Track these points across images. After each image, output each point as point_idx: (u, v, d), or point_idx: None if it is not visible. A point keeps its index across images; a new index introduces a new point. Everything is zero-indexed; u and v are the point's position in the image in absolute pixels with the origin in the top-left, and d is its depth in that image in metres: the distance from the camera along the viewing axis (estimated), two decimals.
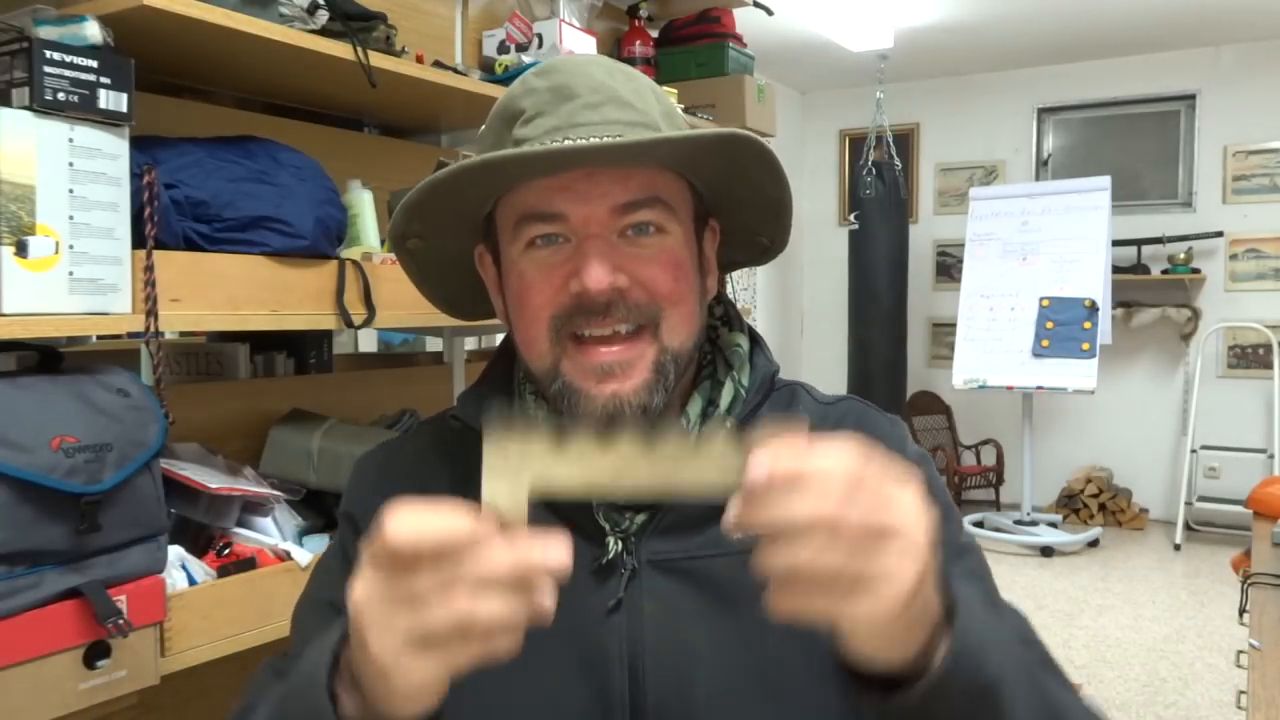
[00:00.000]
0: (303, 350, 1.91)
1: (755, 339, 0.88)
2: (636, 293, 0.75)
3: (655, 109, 0.78)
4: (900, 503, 0.55)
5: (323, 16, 1.51)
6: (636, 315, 0.75)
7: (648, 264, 0.76)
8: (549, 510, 0.79)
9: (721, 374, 0.84)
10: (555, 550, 0.53)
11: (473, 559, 0.52)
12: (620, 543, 0.78)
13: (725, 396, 0.82)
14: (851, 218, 6.01)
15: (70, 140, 1.18)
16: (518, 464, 0.56)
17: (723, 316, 0.89)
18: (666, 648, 0.75)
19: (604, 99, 0.75)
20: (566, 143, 0.72)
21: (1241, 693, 1.62)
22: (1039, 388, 5.31)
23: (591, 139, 0.73)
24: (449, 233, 0.82)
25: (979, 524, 5.65)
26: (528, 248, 0.76)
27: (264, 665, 0.87)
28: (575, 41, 2.20)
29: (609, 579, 0.77)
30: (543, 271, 0.76)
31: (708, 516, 0.77)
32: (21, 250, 1.13)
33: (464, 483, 0.81)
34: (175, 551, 1.31)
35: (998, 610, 0.80)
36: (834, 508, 0.53)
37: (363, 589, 0.55)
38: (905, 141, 6.45)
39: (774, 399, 0.86)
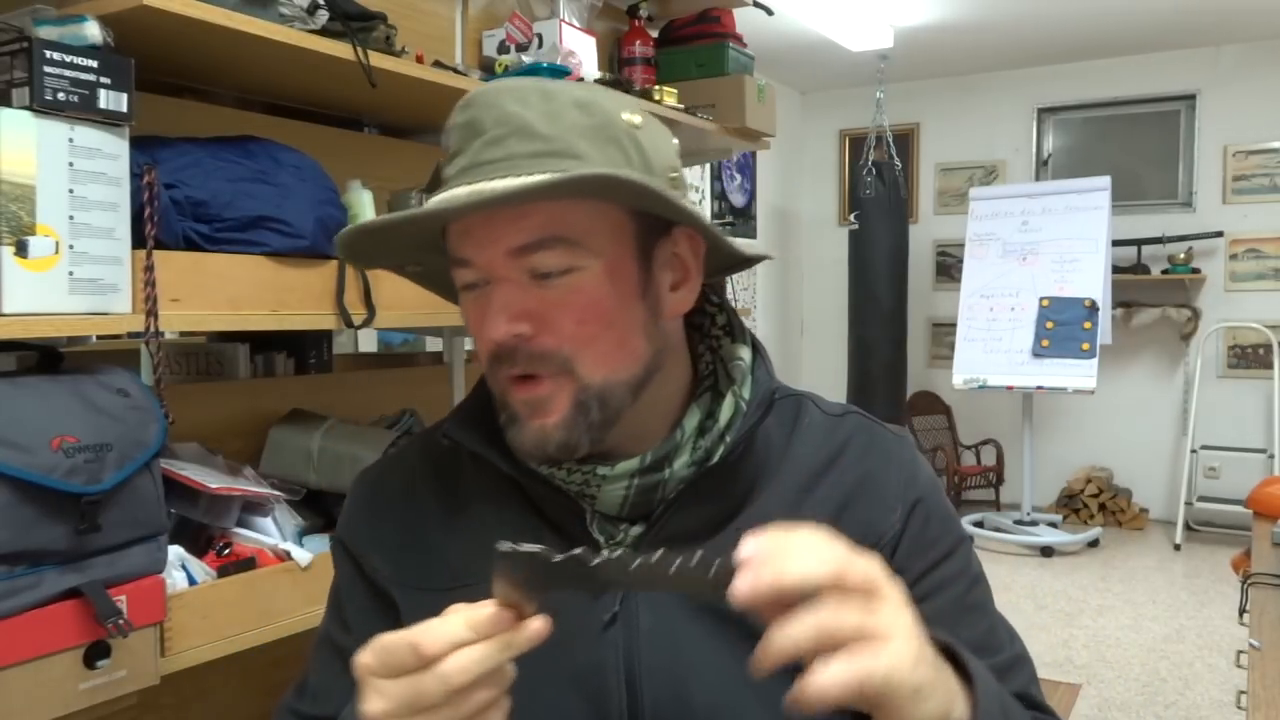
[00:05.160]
0: (303, 350, 1.91)
1: (758, 350, 0.85)
2: (541, 339, 0.73)
3: (576, 128, 0.72)
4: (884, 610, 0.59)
5: (323, 16, 1.51)
6: (540, 363, 0.73)
7: (553, 307, 0.72)
8: (540, 519, 0.79)
9: (723, 386, 0.82)
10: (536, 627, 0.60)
11: (486, 655, 0.59)
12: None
13: (725, 412, 0.80)
14: (851, 218, 6.01)
15: (70, 140, 1.18)
16: (525, 571, 0.60)
17: (725, 326, 0.86)
18: (664, 661, 0.75)
19: (509, 131, 0.71)
20: (462, 189, 0.71)
21: (1241, 693, 1.62)
22: (1039, 388, 5.31)
23: (494, 178, 0.70)
24: (437, 253, 0.81)
25: (979, 524, 5.65)
26: (462, 289, 0.76)
27: (282, 708, 0.88)
28: (575, 41, 2.20)
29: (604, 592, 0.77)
30: (471, 314, 0.76)
31: (702, 530, 0.77)
32: (21, 250, 1.13)
33: (455, 510, 0.83)
34: (175, 551, 1.31)
35: (995, 633, 0.82)
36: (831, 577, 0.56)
37: (376, 708, 0.61)
38: (905, 141, 6.45)
39: (780, 409, 0.84)
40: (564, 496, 0.78)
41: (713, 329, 0.86)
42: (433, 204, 0.72)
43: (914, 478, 0.83)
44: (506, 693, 0.61)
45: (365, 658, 0.61)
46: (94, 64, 1.19)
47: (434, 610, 0.63)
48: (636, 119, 0.75)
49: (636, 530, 0.78)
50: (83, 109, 1.18)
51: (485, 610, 0.60)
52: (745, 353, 0.83)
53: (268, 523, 1.49)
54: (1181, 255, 5.77)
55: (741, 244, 0.81)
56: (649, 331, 0.76)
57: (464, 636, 0.59)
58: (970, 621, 0.80)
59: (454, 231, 0.74)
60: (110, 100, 1.21)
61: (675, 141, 0.81)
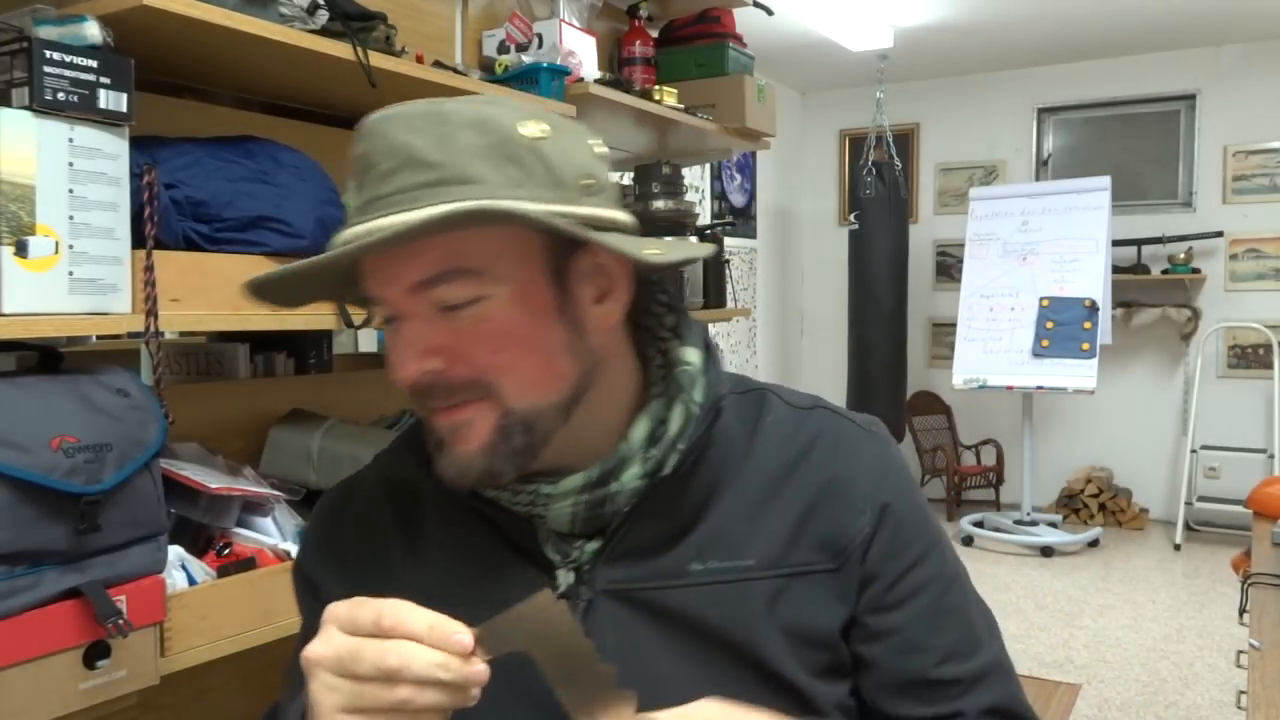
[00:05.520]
0: (303, 350, 1.91)
1: (710, 349, 0.82)
2: (457, 370, 0.71)
3: (470, 150, 0.68)
4: None
5: (323, 16, 1.51)
6: (461, 393, 0.71)
7: (465, 339, 0.70)
8: (498, 538, 0.78)
9: (673, 392, 0.78)
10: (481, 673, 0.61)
11: (423, 659, 0.59)
12: (574, 573, 0.76)
13: (675, 420, 0.76)
14: (851, 218, 6.01)
15: (70, 140, 1.18)
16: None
17: (674, 327, 0.82)
18: (630, 679, 0.73)
19: (399, 163, 0.69)
20: (360, 227, 0.69)
21: (1241, 693, 1.62)
22: (1039, 388, 5.31)
23: (388, 213, 0.68)
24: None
25: (979, 524, 5.65)
26: (380, 324, 0.75)
27: None
28: (575, 41, 2.20)
29: None
30: (389, 349, 0.73)
31: (661, 543, 0.76)
32: (21, 250, 1.13)
33: (414, 533, 0.81)
34: (175, 551, 1.31)
35: (971, 638, 0.80)
36: None
37: (316, 649, 0.62)
38: (905, 141, 6.45)
39: (741, 406, 0.81)
40: (516, 516, 0.77)
41: (660, 330, 0.82)
42: (339, 241, 0.71)
43: (884, 478, 0.80)
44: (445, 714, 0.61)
45: (338, 606, 0.63)
46: (94, 64, 1.19)
47: None
48: (539, 129, 0.71)
49: (593, 546, 0.76)
50: (83, 109, 1.18)
51: (451, 627, 0.60)
52: (694, 355, 0.80)
53: (268, 523, 1.49)
54: (1181, 255, 5.77)
55: (669, 246, 0.76)
56: (574, 350, 0.73)
57: (419, 633, 0.60)
58: (945, 627, 0.78)
59: (360, 269, 0.72)
60: (110, 100, 1.21)
61: (593, 143, 0.76)
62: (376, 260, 0.70)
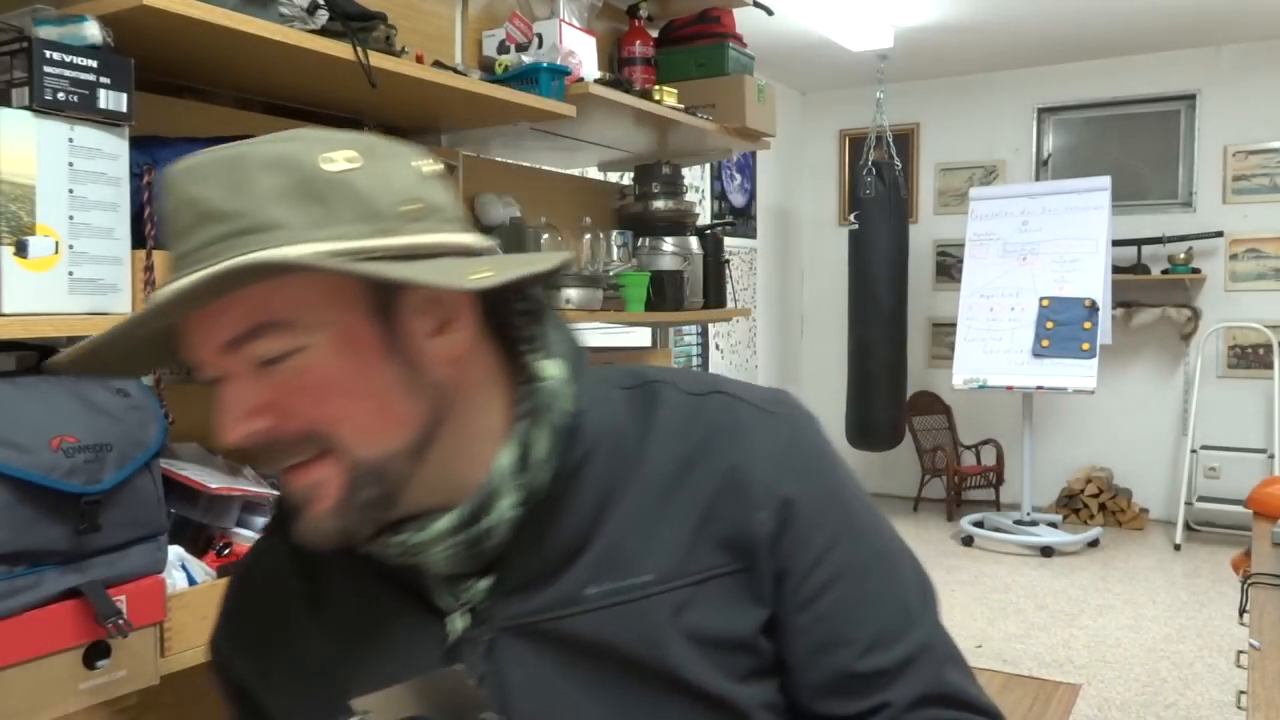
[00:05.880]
0: None
1: (577, 355, 0.76)
2: (287, 427, 0.67)
3: (268, 194, 0.64)
4: None
5: (323, 16, 1.51)
6: (299, 450, 0.67)
7: (289, 394, 0.66)
8: (399, 589, 0.75)
9: (538, 410, 0.73)
10: None
11: None
12: (469, 615, 0.73)
13: (542, 440, 0.72)
14: (851, 218, 6.01)
15: (70, 140, 1.18)
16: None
17: (534, 338, 0.76)
18: (542, 715, 0.71)
19: (194, 219, 0.65)
20: (165, 288, 0.65)
21: (1241, 693, 1.62)
22: (1039, 388, 5.31)
23: (192, 270, 0.64)
24: None
25: (979, 524, 5.65)
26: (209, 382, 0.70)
27: None
28: (575, 41, 2.20)
29: (465, 655, 0.72)
30: (215, 411, 0.69)
31: (552, 570, 0.72)
32: (21, 250, 1.13)
33: (319, 594, 0.79)
34: (175, 551, 1.31)
35: (893, 626, 0.74)
36: None
37: None
38: (905, 141, 6.45)
39: (630, 403, 0.77)
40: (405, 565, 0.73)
41: (520, 345, 0.76)
42: (149, 303, 0.67)
43: (785, 465, 0.75)
44: None
45: None
46: (94, 64, 1.19)
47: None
48: (345, 162, 0.66)
49: (485, 583, 0.73)
50: (83, 109, 1.18)
51: None
52: (554, 367, 0.74)
53: None
54: (1181, 255, 5.77)
55: (504, 265, 0.69)
56: (413, 389, 0.68)
57: None
58: (867, 616, 0.74)
59: (176, 331, 0.68)
60: (110, 100, 1.21)
61: (419, 164, 0.71)
62: (186, 322, 0.66)
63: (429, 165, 0.71)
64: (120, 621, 1.14)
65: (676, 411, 0.77)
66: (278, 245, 0.63)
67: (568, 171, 2.96)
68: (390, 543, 0.71)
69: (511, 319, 0.76)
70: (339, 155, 0.66)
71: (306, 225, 0.64)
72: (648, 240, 2.73)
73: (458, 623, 0.73)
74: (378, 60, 1.56)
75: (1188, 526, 5.62)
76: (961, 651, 0.78)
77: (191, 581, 1.32)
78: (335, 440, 0.67)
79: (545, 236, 2.32)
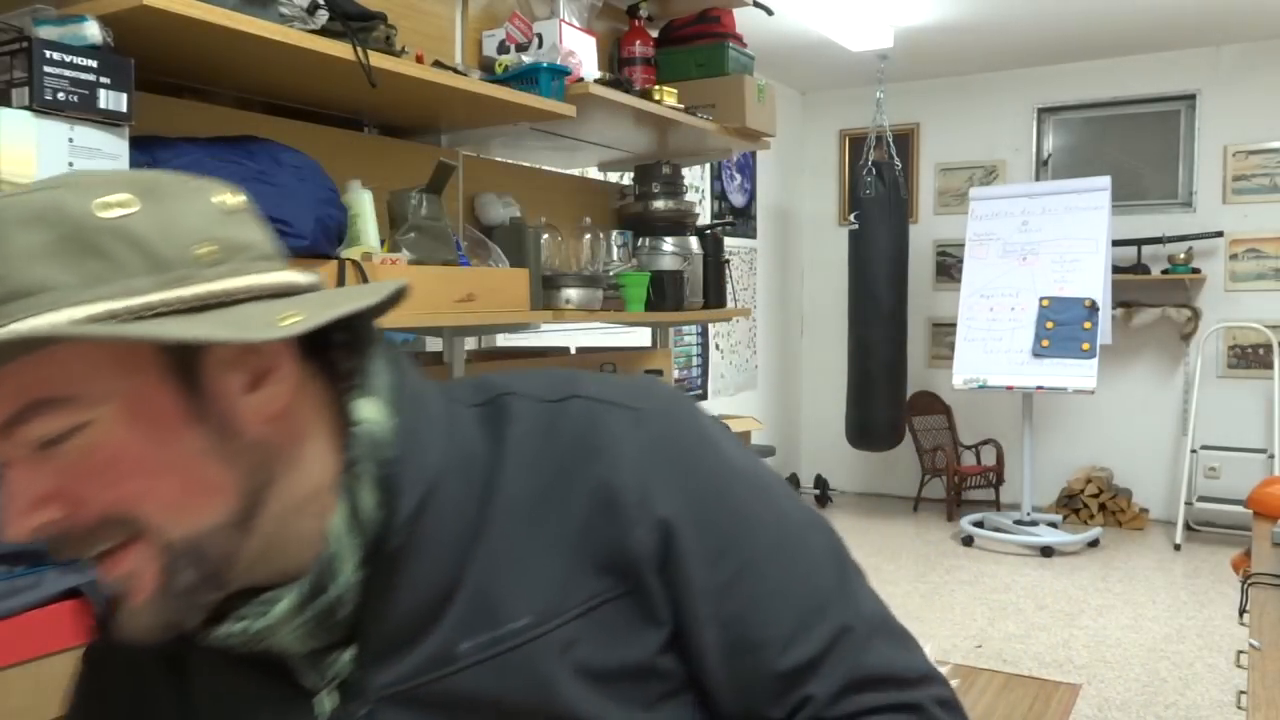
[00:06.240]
0: None
1: (398, 389, 0.67)
2: (81, 514, 0.58)
3: (30, 253, 0.55)
4: None
5: (323, 16, 1.51)
6: (102, 537, 0.59)
7: (77, 477, 0.58)
8: (261, 671, 0.67)
9: (360, 458, 0.65)
10: None
11: None
12: (336, 692, 0.66)
13: (367, 491, 0.64)
14: (851, 218, 6.01)
15: (70, 140, 1.18)
16: None
17: (351, 374, 0.67)
18: None
19: None
20: None
21: (1241, 693, 1.62)
22: (1039, 388, 5.31)
23: None
24: None
25: (979, 524, 5.65)
26: None
27: None
28: (575, 41, 2.20)
29: None
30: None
31: (418, 629, 0.65)
32: None
33: (179, 679, 0.72)
34: None
35: (805, 617, 0.68)
36: None
37: None
38: (905, 141, 6.45)
39: (483, 419, 0.69)
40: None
41: (339, 384, 0.67)
42: None
43: (655, 473, 0.67)
44: None
45: None
46: (94, 64, 1.19)
47: None
48: (119, 207, 0.57)
49: (348, 654, 0.66)
50: (83, 109, 1.18)
51: None
52: (369, 407, 0.65)
53: None
54: (1181, 255, 5.77)
55: (320, 304, 0.62)
56: (226, 454, 0.60)
57: None
58: (774, 616, 0.68)
59: None
60: (110, 100, 1.21)
61: (218, 200, 0.62)
62: None
63: (231, 198, 0.63)
64: None
65: (532, 426, 0.69)
66: (43, 311, 0.54)
67: (568, 171, 2.96)
68: (231, 633, 0.64)
69: (332, 355, 0.68)
70: (114, 199, 0.58)
71: (80, 284, 0.56)
72: (648, 240, 2.74)
73: (325, 703, 0.66)
74: (378, 60, 1.56)
75: (1188, 526, 5.62)
76: (889, 611, 0.73)
77: None
78: (141, 522, 0.59)
79: (545, 236, 2.32)
